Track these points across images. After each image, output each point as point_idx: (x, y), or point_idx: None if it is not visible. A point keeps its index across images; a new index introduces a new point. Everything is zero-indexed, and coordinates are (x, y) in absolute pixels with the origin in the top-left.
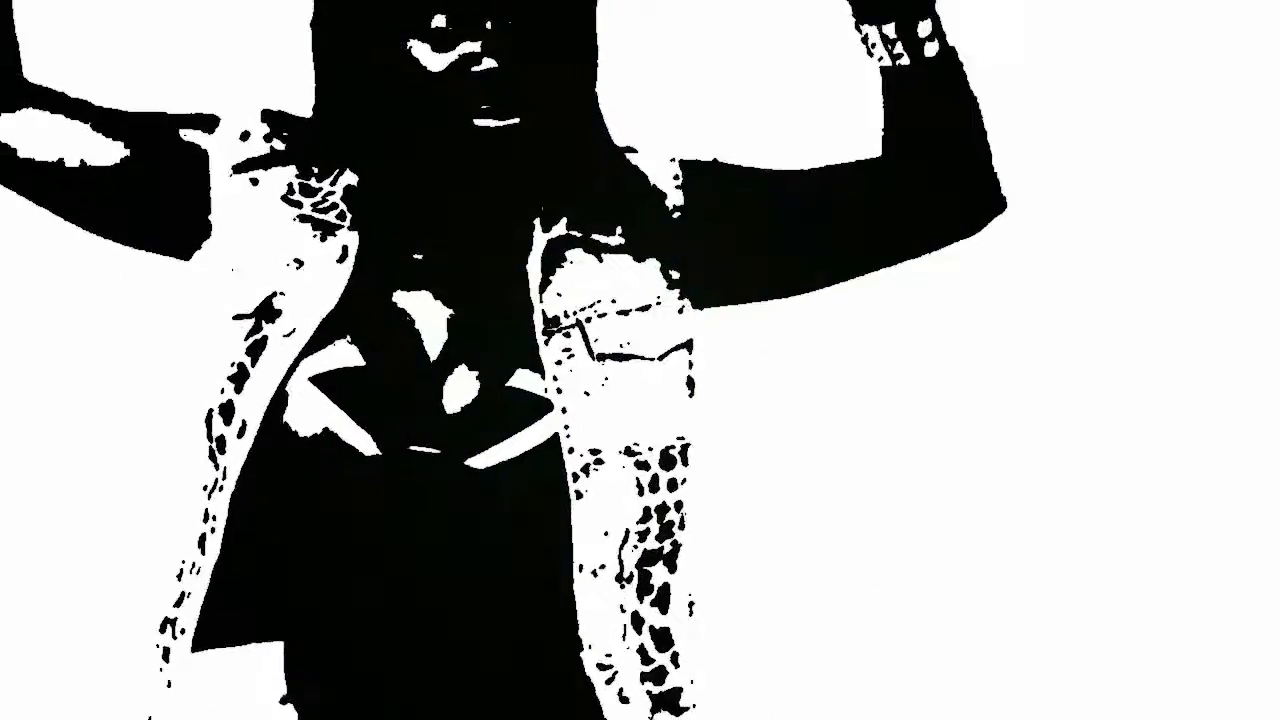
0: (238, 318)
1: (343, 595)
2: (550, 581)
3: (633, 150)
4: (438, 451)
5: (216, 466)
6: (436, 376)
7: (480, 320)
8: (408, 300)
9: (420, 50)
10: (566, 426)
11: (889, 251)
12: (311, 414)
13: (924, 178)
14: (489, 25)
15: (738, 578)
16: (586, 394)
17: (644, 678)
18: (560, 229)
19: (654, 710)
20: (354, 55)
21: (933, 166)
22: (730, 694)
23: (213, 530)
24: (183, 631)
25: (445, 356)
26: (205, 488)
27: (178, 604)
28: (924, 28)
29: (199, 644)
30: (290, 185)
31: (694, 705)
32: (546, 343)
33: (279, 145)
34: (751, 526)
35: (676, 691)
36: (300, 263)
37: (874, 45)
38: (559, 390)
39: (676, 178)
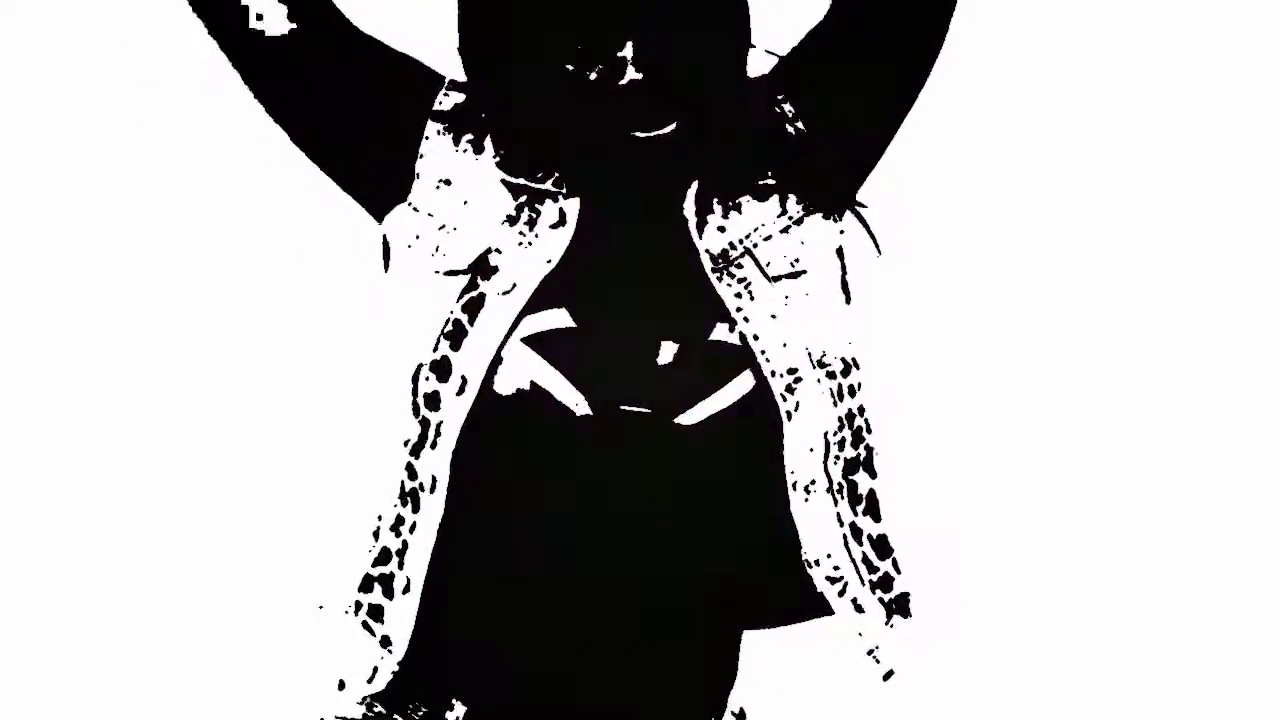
0: (449, 274)
1: (559, 556)
2: (769, 517)
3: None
4: (648, 410)
5: (424, 423)
6: (642, 337)
7: (677, 280)
8: (609, 265)
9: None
10: (764, 352)
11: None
12: (524, 374)
13: None
14: (630, 43)
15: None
16: (773, 316)
17: (873, 586)
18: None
19: (889, 616)
20: (510, 71)
21: None
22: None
23: (426, 489)
24: (405, 589)
25: (647, 317)
26: (407, 443)
27: (382, 561)
28: None
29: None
30: (502, 152)
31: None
32: (720, 278)
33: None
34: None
35: (905, 596)
36: (513, 220)
37: None
38: (745, 319)
39: (780, 94)
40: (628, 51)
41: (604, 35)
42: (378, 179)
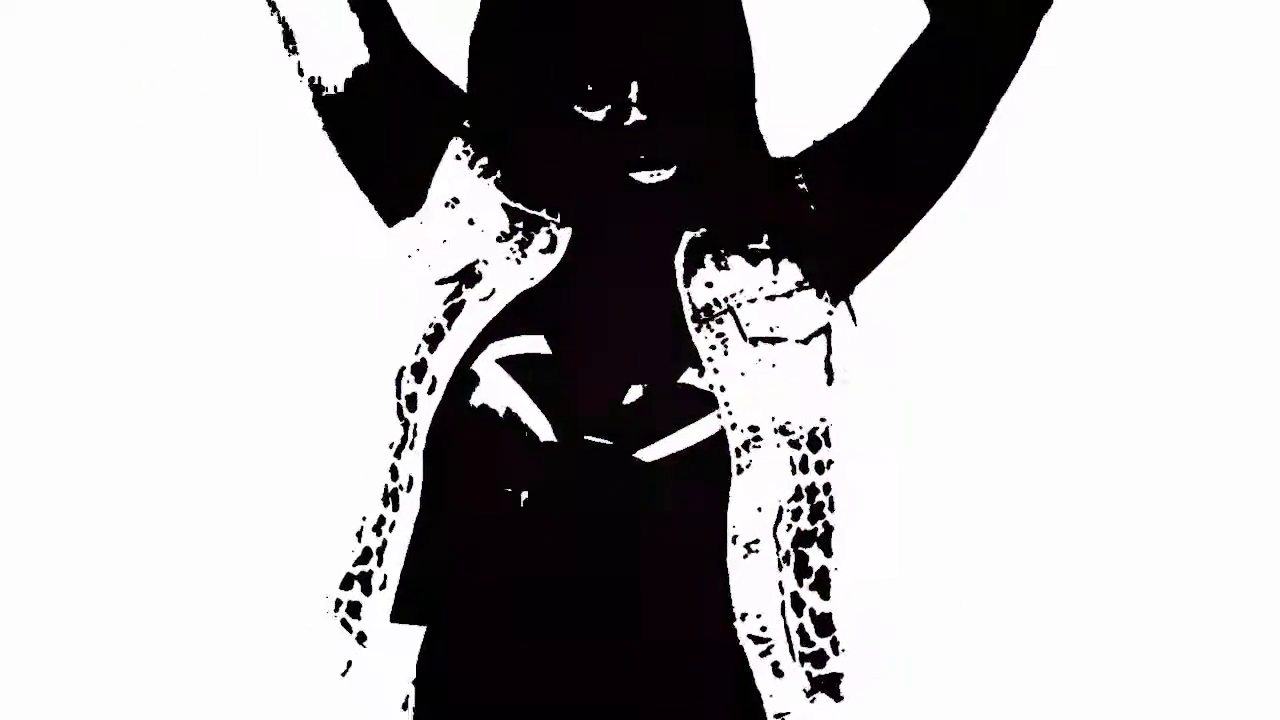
0: (440, 282)
1: (502, 574)
2: (709, 567)
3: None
4: (610, 442)
5: (405, 425)
6: (613, 371)
7: (656, 321)
8: (591, 298)
9: (579, 106)
10: (727, 404)
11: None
12: (495, 394)
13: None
14: (635, 84)
15: (887, 566)
16: (743, 374)
17: (803, 659)
18: (705, 232)
19: (812, 691)
20: (515, 107)
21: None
22: (889, 686)
23: (404, 488)
24: (382, 587)
25: (621, 353)
26: (392, 445)
27: (363, 560)
28: None
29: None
30: (505, 175)
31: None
32: (698, 329)
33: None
34: (896, 513)
35: (836, 677)
36: (506, 237)
37: None
38: (715, 370)
39: (798, 175)
40: (633, 93)
41: (610, 76)
42: (399, 192)
